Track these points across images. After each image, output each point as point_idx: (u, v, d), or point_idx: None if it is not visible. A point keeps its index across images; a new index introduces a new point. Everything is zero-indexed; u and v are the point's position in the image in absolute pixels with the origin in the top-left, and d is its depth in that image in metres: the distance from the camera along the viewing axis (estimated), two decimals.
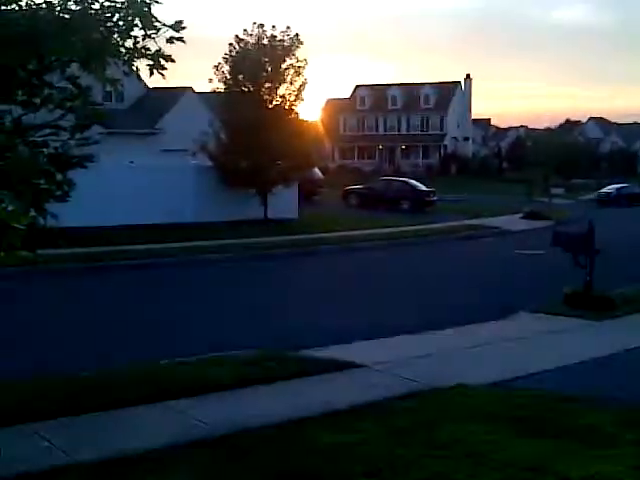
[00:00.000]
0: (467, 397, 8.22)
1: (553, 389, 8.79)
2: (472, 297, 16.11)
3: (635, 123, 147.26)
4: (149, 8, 5.40)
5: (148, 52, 5.51)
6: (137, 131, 39.62)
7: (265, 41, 29.61)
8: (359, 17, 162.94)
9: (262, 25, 29.65)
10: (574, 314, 13.30)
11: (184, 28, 5.48)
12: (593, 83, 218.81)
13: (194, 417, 7.54)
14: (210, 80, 29.76)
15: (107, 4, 5.43)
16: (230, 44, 29.70)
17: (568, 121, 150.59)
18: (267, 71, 29.55)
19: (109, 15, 5.40)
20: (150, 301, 15.41)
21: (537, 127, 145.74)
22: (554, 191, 44.95)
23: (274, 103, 29.82)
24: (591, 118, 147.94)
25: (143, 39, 5.48)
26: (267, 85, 29.64)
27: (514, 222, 35.32)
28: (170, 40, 5.49)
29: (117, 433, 7.14)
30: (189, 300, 15.39)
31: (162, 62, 5.57)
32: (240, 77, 29.65)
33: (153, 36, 5.45)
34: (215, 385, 8.43)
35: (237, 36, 29.66)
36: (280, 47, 29.57)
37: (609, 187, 60.73)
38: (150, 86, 43.27)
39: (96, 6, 5.43)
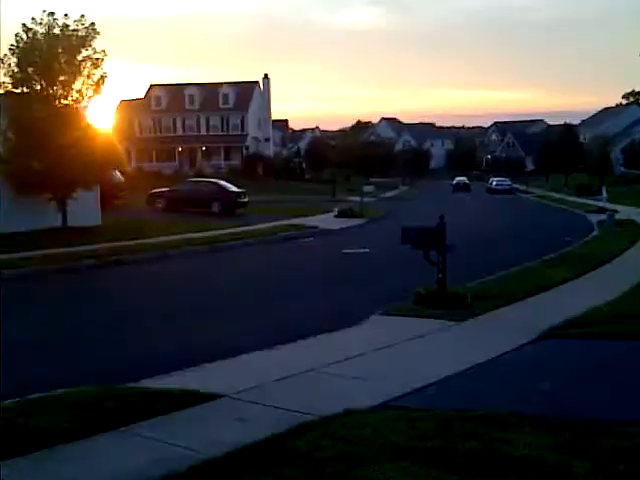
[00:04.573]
0: (364, 427, 6.66)
1: (449, 406, 7.50)
2: (315, 301, 14.79)
3: (422, 123, 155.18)
4: None
5: None
6: None
7: (57, 30, 26.64)
8: (152, 14, 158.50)
9: (53, 13, 26.68)
10: (431, 314, 12.26)
11: None
12: (382, 86, 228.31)
13: None
14: None
15: None
16: (17, 34, 26.43)
17: (360, 122, 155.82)
18: (60, 63, 26.63)
19: None
20: None
21: (331, 129, 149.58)
22: (366, 189, 45.16)
23: (70, 98, 26.96)
24: (383, 119, 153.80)
25: None
26: (61, 78, 26.72)
27: (330, 221, 34.70)
28: None
29: None
30: None
31: None
32: (30, 70, 26.49)
33: None
34: (38, 439, 6.30)
35: (25, 25, 26.43)
36: (74, 37, 26.75)
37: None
38: None
39: None
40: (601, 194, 41.97)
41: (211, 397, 7.76)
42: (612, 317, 11.82)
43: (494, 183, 79.85)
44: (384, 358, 9.81)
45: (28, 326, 12.48)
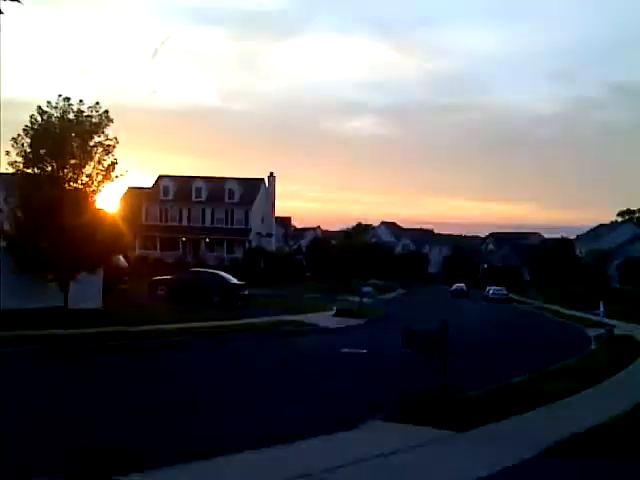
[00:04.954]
0: None
1: None
2: (311, 401, 14.45)
3: (421, 229, 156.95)
4: None
5: None
6: None
7: (71, 115, 27.21)
8: (162, 107, 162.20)
9: (68, 98, 27.32)
10: (431, 422, 11.88)
11: None
12: (383, 191, 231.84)
13: None
14: (7, 153, 26.69)
15: None
16: (31, 116, 26.98)
17: (360, 224, 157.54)
18: (73, 147, 27.07)
19: None
20: None
21: (331, 229, 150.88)
22: (364, 290, 45.14)
23: (79, 182, 27.27)
24: (383, 222, 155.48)
25: None
26: (72, 162, 27.11)
27: (329, 320, 34.48)
28: None
29: None
30: None
31: None
32: (42, 152, 26.91)
33: None
34: None
35: (40, 107, 27.02)
36: (88, 123, 27.29)
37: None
38: None
39: None
40: (598, 308, 41.79)
41: None
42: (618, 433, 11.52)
43: (491, 292, 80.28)
44: (374, 469, 9.40)
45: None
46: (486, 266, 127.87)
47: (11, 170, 26.99)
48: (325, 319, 34.27)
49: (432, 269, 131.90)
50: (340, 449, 10.25)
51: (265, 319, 30.05)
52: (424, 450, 10.54)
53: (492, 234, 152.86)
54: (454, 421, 11.97)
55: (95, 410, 12.45)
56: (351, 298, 46.29)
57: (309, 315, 35.15)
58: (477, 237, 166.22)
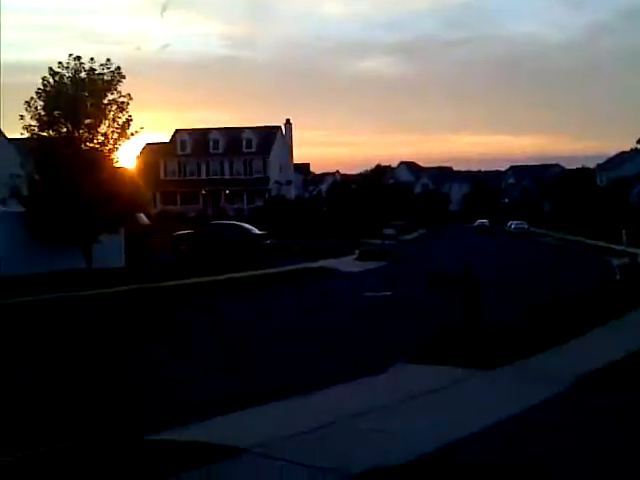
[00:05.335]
0: None
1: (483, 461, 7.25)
2: (340, 345, 14.58)
3: (440, 167, 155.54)
4: None
5: None
6: None
7: (83, 74, 27.01)
8: (174, 61, 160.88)
9: (79, 57, 27.09)
10: (460, 361, 11.90)
11: None
12: (401, 131, 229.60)
13: None
14: (21, 117, 26.65)
15: None
16: (44, 78, 26.80)
17: (379, 166, 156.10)
18: (87, 107, 26.95)
19: None
20: None
21: (351, 172, 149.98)
22: (386, 232, 45.10)
23: (95, 141, 27.23)
24: (402, 162, 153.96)
25: None
26: (87, 122, 27.02)
27: (351, 264, 34.56)
28: None
29: None
30: None
31: None
32: (56, 113, 26.82)
33: None
34: None
35: (51, 69, 26.82)
36: (100, 81, 27.09)
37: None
38: None
39: None
40: (620, 238, 41.45)
41: (232, 452, 7.35)
42: None
43: (512, 226, 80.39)
44: (412, 410, 9.52)
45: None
46: (507, 200, 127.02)
47: (26, 134, 26.99)
48: (348, 263, 34.35)
49: (453, 207, 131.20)
50: (369, 393, 10.36)
51: (286, 268, 30.14)
52: (451, 390, 10.60)
53: (512, 167, 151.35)
54: (481, 359, 12.00)
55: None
56: (373, 241, 46.29)
57: (331, 260, 35.19)
58: (497, 171, 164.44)
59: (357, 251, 38.94)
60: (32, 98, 26.43)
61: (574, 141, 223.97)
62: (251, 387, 10.82)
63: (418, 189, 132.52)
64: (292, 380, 11.13)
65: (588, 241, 57.91)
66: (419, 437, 8.14)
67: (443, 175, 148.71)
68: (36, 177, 26.85)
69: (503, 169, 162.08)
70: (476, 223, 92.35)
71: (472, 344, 12.53)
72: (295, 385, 10.53)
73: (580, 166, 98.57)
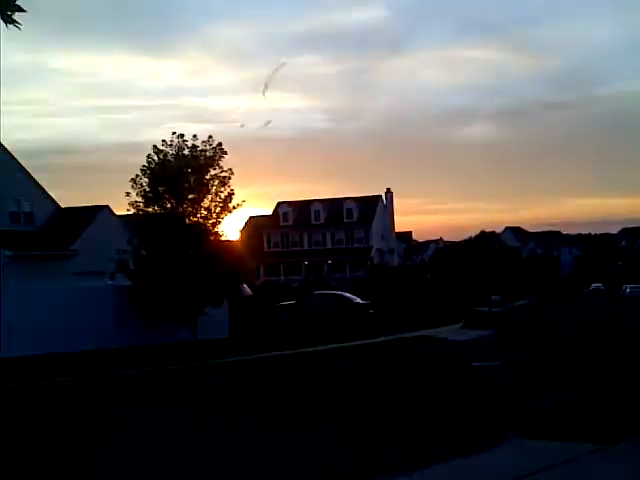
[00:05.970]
0: None
1: None
2: (449, 416, 13.87)
3: (547, 232, 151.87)
4: None
5: None
6: (50, 253, 36.79)
7: (186, 151, 27.77)
8: (275, 137, 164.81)
9: (182, 135, 27.93)
10: (584, 438, 10.92)
11: None
12: (504, 197, 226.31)
13: None
14: (127, 194, 27.50)
15: None
16: (148, 155, 27.71)
17: (483, 232, 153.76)
18: (189, 182, 27.61)
19: None
20: None
21: (453, 239, 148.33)
22: (493, 299, 43.95)
23: (198, 216, 27.76)
24: (507, 228, 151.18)
25: None
26: (190, 197, 27.64)
27: (458, 332, 33.61)
28: None
29: None
30: None
31: None
32: (160, 189, 27.57)
33: None
34: None
35: (155, 146, 27.73)
36: (202, 157, 27.77)
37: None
38: (62, 205, 40.94)
39: None
40: None
41: None
42: None
43: (628, 290, 77.28)
44: None
45: None
46: (620, 263, 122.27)
47: (132, 211, 27.79)
48: (454, 332, 33.40)
49: (562, 272, 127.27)
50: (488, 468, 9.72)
51: (392, 337, 29.57)
52: (572, 467, 9.76)
53: (624, 229, 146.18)
54: (598, 434, 11.07)
55: None
56: (479, 308, 45.08)
57: (436, 329, 34.37)
58: (607, 234, 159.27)
59: (463, 320, 37.96)
60: (137, 175, 27.30)
61: None
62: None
63: (526, 254, 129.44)
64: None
65: None
66: None
67: (551, 239, 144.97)
68: (142, 252, 27.45)
69: (614, 232, 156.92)
70: (591, 287, 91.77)
71: (586, 419, 11.58)
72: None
73: None
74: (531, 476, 9.27)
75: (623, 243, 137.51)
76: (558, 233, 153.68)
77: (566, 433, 11.30)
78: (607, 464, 10.00)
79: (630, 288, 77.93)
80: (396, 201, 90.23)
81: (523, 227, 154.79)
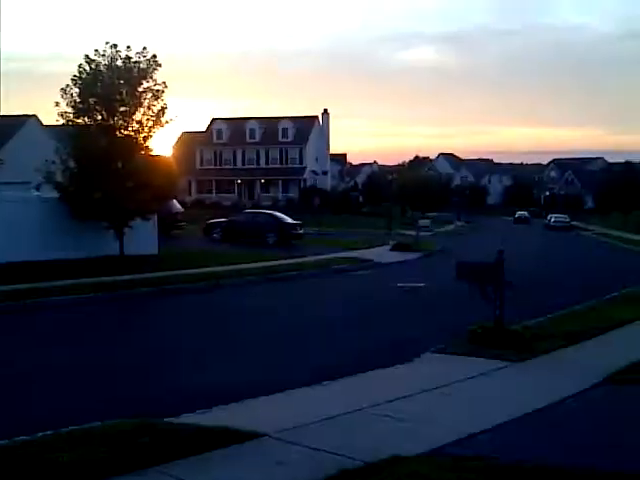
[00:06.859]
0: (411, 476, 6.22)
1: (502, 456, 6.98)
2: (367, 335, 14.44)
3: (480, 159, 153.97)
4: None
5: None
6: None
7: (119, 62, 26.97)
8: (214, 50, 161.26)
9: (115, 45, 26.96)
10: (487, 354, 11.70)
11: None
12: (440, 123, 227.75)
13: None
14: (57, 104, 26.66)
15: None
16: (79, 65, 26.80)
17: (417, 157, 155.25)
18: (122, 94, 26.94)
19: None
20: None
21: (388, 163, 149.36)
22: (421, 223, 44.69)
23: (130, 129, 27.23)
24: (441, 154, 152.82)
25: None
26: (122, 109, 27.01)
27: (385, 254, 34.28)
28: None
29: None
30: (23, 356, 12.60)
31: None
32: (91, 101, 26.84)
33: None
34: (67, 477, 6.04)
35: (87, 56, 26.76)
36: (136, 69, 27.05)
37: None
38: None
39: None
40: None
41: (252, 436, 7.38)
42: None
43: (552, 219, 79.47)
44: (435, 400, 9.33)
45: (76, 353, 12.41)
46: (548, 194, 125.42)
47: (61, 121, 27.08)
48: (381, 254, 34.06)
49: (492, 200, 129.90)
50: (397, 382, 10.25)
51: (320, 257, 30.00)
52: (477, 382, 10.39)
53: (554, 160, 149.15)
54: (510, 352, 11.73)
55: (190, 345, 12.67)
56: (408, 232, 45.94)
57: (365, 251, 35.00)
58: (539, 165, 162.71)
59: (391, 242, 38.63)
60: (68, 85, 26.42)
61: (619, 135, 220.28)
62: (281, 372, 10.73)
63: (457, 181, 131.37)
64: (314, 368, 10.97)
65: (631, 236, 56.66)
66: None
67: (483, 167, 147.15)
68: (71, 164, 26.92)
69: (545, 162, 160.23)
70: (516, 215, 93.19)
71: (499, 338, 12.21)
72: (321, 372, 10.41)
73: (624, 161, 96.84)
74: (443, 388, 9.82)
75: (552, 174, 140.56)
76: (490, 161, 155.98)
77: (479, 351, 11.92)
78: (504, 375, 10.76)
79: (554, 218, 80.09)
80: (333, 123, 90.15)
81: (456, 154, 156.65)
